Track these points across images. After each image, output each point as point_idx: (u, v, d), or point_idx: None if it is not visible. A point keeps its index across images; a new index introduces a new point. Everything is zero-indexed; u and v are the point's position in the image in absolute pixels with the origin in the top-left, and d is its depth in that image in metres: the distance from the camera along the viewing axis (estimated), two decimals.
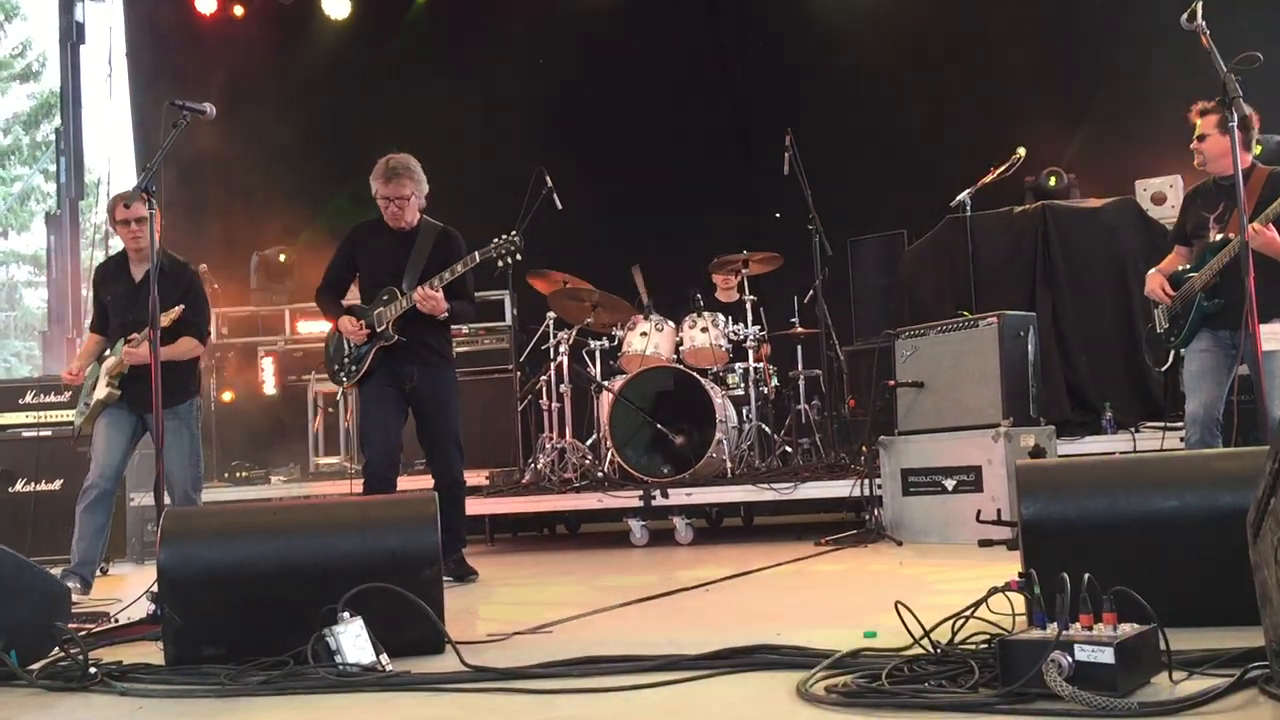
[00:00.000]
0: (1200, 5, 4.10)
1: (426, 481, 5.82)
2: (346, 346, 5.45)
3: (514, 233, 5.30)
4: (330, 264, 5.57)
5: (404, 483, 6.13)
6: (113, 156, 10.48)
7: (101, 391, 5.36)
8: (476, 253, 5.27)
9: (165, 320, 4.94)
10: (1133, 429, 6.64)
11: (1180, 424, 5.48)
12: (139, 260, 5.43)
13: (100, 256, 11.74)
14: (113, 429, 5.39)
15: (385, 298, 5.30)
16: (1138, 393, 6.99)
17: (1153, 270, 5.38)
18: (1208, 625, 2.71)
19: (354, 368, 5.37)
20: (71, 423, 5.87)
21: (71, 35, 10.73)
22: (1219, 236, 5.03)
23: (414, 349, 5.31)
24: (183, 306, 5.16)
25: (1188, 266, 5.19)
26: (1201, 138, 5.03)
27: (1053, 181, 8.06)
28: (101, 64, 10.87)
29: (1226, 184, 5.03)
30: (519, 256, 5.29)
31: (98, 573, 5.65)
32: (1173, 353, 5.28)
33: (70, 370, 5.53)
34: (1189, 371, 5.16)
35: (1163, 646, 2.38)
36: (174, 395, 5.12)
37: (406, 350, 5.30)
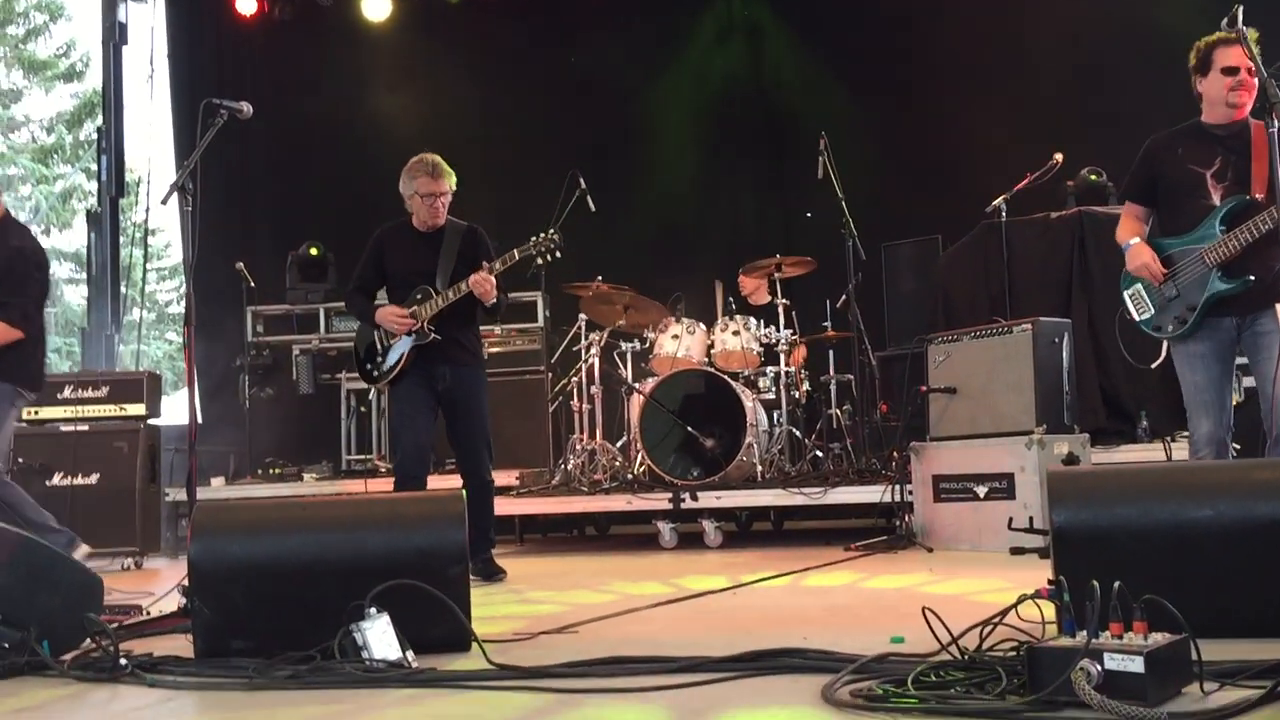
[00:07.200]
0: (1240, 10, 4.04)
1: (456, 481, 5.85)
2: (379, 345, 5.47)
3: (552, 231, 5.33)
4: (359, 267, 5.61)
5: (433, 481, 6.17)
6: (153, 156, 10.54)
7: None
8: (516, 250, 5.31)
9: None
10: (1168, 438, 6.56)
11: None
12: None
13: (139, 254, 11.92)
14: None
15: (419, 296, 5.33)
16: (1174, 401, 6.87)
17: (1136, 240, 4.39)
18: (1240, 636, 2.67)
19: (387, 367, 5.40)
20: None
21: (114, 36, 10.86)
22: (1229, 200, 4.19)
23: (447, 348, 5.34)
24: None
25: (1182, 233, 4.31)
26: (1236, 69, 4.14)
27: (1094, 178, 7.93)
28: (143, 64, 11.01)
29: (1222, 134, 4.28)
30: (559, 254, 5.34)
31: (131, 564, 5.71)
32: (1165, 345, 4.52)
33: None
34: (1193, 383, 4.36)
35: (1194, 657, 2.35)
36: None
37: (440, 349, 5.33)
